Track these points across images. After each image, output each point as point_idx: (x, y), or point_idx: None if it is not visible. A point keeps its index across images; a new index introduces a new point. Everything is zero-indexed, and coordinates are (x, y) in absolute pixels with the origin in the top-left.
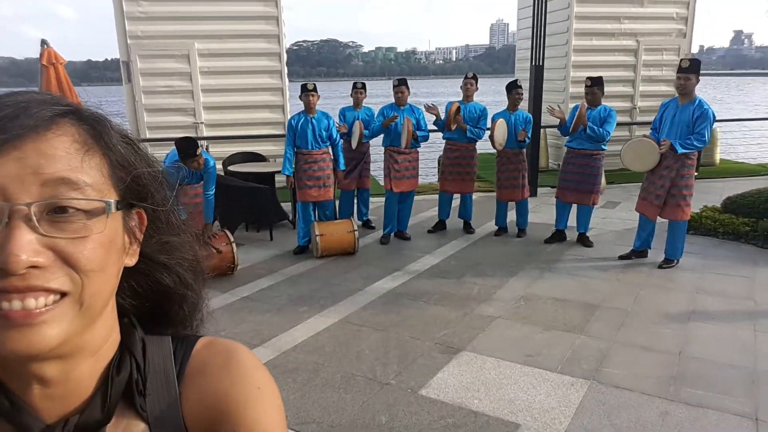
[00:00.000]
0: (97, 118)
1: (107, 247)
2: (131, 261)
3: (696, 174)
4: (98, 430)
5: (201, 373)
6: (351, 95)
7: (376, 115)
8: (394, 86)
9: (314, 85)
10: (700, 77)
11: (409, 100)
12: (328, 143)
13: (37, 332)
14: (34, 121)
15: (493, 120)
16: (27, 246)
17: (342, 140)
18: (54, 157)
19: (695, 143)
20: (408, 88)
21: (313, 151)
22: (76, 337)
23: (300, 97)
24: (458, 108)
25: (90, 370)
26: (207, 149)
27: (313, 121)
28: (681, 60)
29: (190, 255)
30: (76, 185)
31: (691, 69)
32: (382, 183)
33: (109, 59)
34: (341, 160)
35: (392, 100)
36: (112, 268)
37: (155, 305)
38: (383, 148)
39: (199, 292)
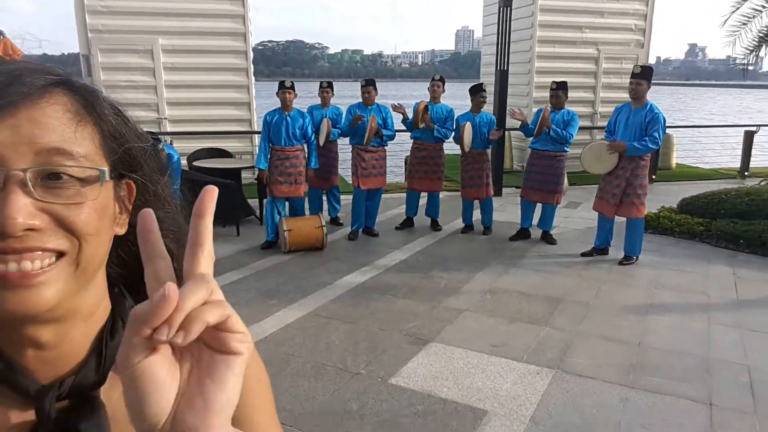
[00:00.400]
0: (88, 88)
1: (101, 214)
2: (121, 230)
3: (654, 177)
4: (93, 391)
5: None
6: (318, 94)
7: (344, 114)
8: (362, 86)
9: (292, 83)
10: (657, 86)
11: (377, 100)
12: (302, 141)
13: (34, 293)
14: (27, 89)
15: (459, 123)
16: (23, 209)
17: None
18: (48, 126)
19: (649, 144)
20: (375, 88)
21: (286, 147)
22: (70, 300)
23: (277, 93)
24: (426, 107)
25: (83, 334)
26: (171, 143)
27: (288, 118)
28: (633, 66)
29: (175, 227)
30: (70, 155)
31: (642, 75)
32: (350, 181)
33: (66, 54)
34: (314, 159)
35: (359, 100)
36: (106, 235)
37: (142, 275)
38: (351, 146)
39: (182, 262)
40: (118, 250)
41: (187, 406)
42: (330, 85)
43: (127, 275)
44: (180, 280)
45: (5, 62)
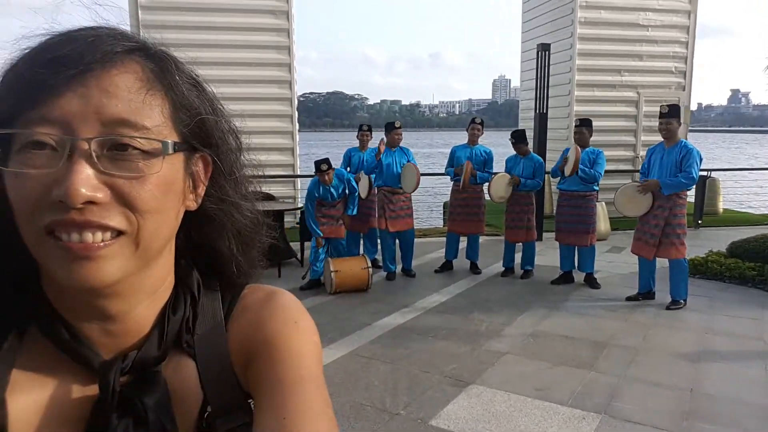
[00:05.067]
0: (162, 56)
1: (164, 189)
2: (192, 205)
3: (700, 222)
4: (154, 367)
5: (244, 311)
6: (357, 137)
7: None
8: (396, 128)
9: (327, 165)
10: (699, 132)
11: (415, 149)
12: (342, 195)
13: (95, 266)
14: (101, 56)
15: (508, 165)
16: (86, 180)
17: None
18: (116, 96)
19: (682, 180)
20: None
21: (326, 202)
22: (134, 277)
23: (315, 173)
24: (471, 168)
25: (147, 309)
26: None
27: (331, 188)
28: (660, 106)
29: (248, 215)
30: (135, 126)
31: (670, 113)
32: None
33: None
34: (353, 207)
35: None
36: (171, 211)
37: (208, 252)
38: (377, 188)
39: (248, 253)
40: (187, 226)
41: None
42: (369, 129)
43: (193, 250)
44: (238, 269)
45: (85, 27)
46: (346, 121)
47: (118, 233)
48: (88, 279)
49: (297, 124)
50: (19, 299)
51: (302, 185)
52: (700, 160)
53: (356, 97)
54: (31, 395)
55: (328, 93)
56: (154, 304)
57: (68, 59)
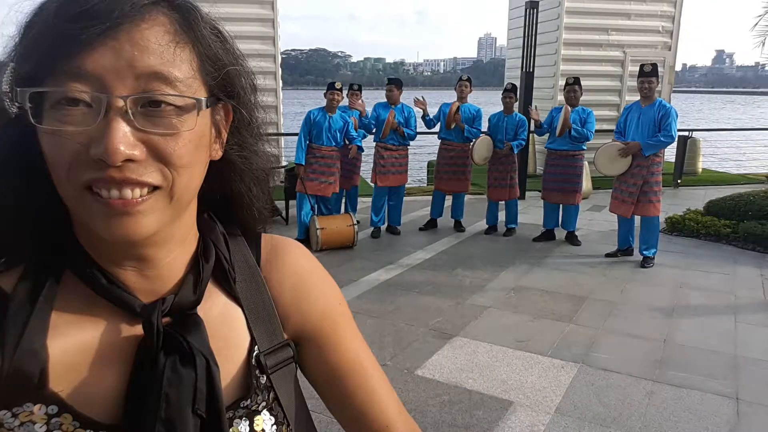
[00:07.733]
0: (187, 6)
1: (196, 143)
2: (217, 155)
3: (679, 181)
4: (191, 309)
5: (273, 256)
6: (347, 96)
7: (369, 113)
8: (386, 84)
9: (342, 84)
10: (682, 93)
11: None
12: (341, 143)
13: (134, 221)
14: (129, 9)
15: (491, 122)
16: (124, 138)
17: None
18: (147, 50)
19: (662, 139)
20: (399, 87)
21: (322, 146)
22: (167, 227)
23: (325, 94)
24: (458, 108)
25: (178, 257)
26: None
27: (330, 120)
28: (642, 65)
29: (264, 161)
30: (168, 80)
31: (653, 73)
32: (369, 182)
33: None
34: (357, 143)
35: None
36: (200, 164)
37: (227, 201)
38: (374, 143)
39: (264, 199)
40: (208, 175)
41: None
42: (360, 88)
43: (213, 200)
44: (255, 221)
45: None
46: (329, 79)
47: (154, 188)
48: (127, 233)
49: (281, 81)
50: (53, 246)
51: (286, 144)
52: (677, 117)
53: (339, 54)
54: (71, 338)
55: (310, 50)
56: (184, 252)
57: (97, 13)
